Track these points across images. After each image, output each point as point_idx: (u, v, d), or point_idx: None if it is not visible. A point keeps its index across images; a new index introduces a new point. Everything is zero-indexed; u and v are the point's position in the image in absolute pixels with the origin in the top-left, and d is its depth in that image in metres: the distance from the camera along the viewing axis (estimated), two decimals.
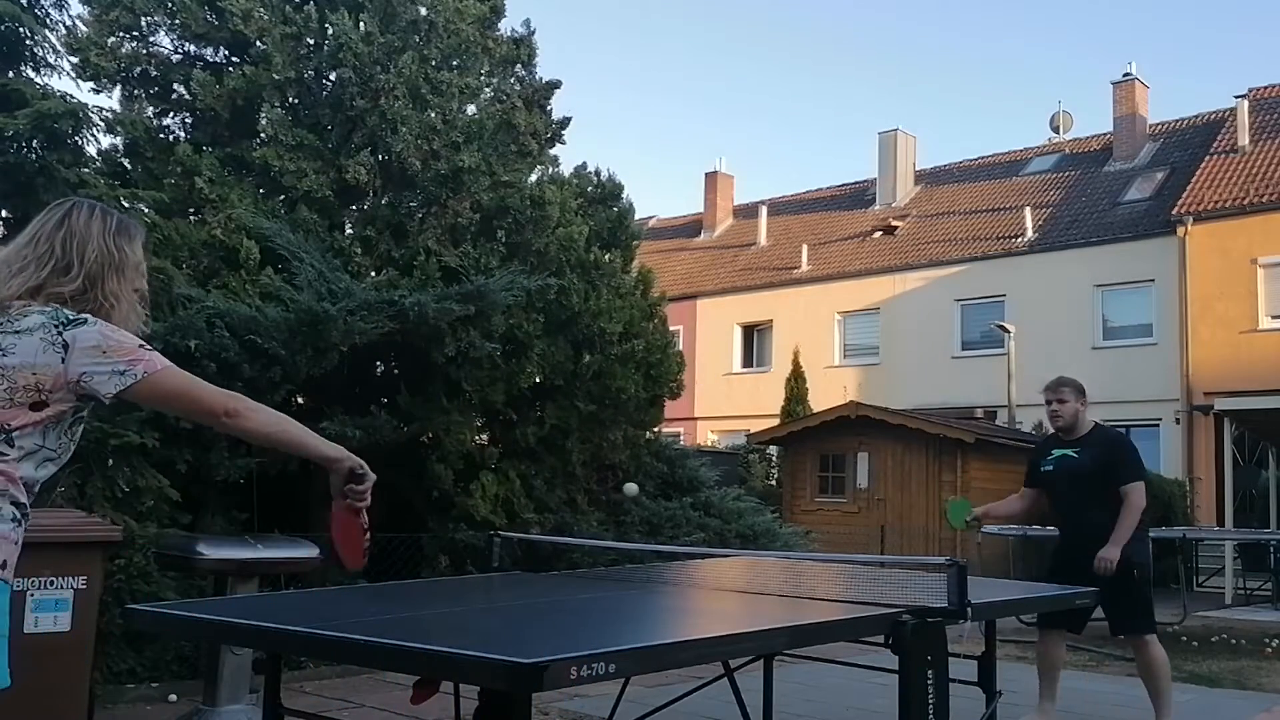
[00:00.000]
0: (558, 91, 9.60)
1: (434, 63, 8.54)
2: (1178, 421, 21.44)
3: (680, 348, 12.60)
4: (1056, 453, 5.53)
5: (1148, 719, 5.39)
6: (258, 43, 8.19)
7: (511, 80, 9.52)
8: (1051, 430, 5.72)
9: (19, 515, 2.20)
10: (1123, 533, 5.20)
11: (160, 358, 2.26)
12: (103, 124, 7.84)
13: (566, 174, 9.70)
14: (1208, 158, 23.32)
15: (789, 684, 5.94)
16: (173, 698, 5.67)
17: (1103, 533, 5.20)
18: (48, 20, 7.23)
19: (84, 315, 2.23)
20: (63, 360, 2.17)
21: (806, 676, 6.39)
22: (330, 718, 4.50)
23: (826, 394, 22.04)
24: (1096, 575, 5.06)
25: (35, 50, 7.00)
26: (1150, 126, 26.69)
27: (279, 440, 2.37)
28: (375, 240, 8.16)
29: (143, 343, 2.27)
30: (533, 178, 9.07)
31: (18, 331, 2.19)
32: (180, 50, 8.77)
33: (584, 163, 10.02)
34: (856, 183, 32.18)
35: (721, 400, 28.31)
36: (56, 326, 2.19)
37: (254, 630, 2.67)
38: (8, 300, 2.24)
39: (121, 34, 8.42)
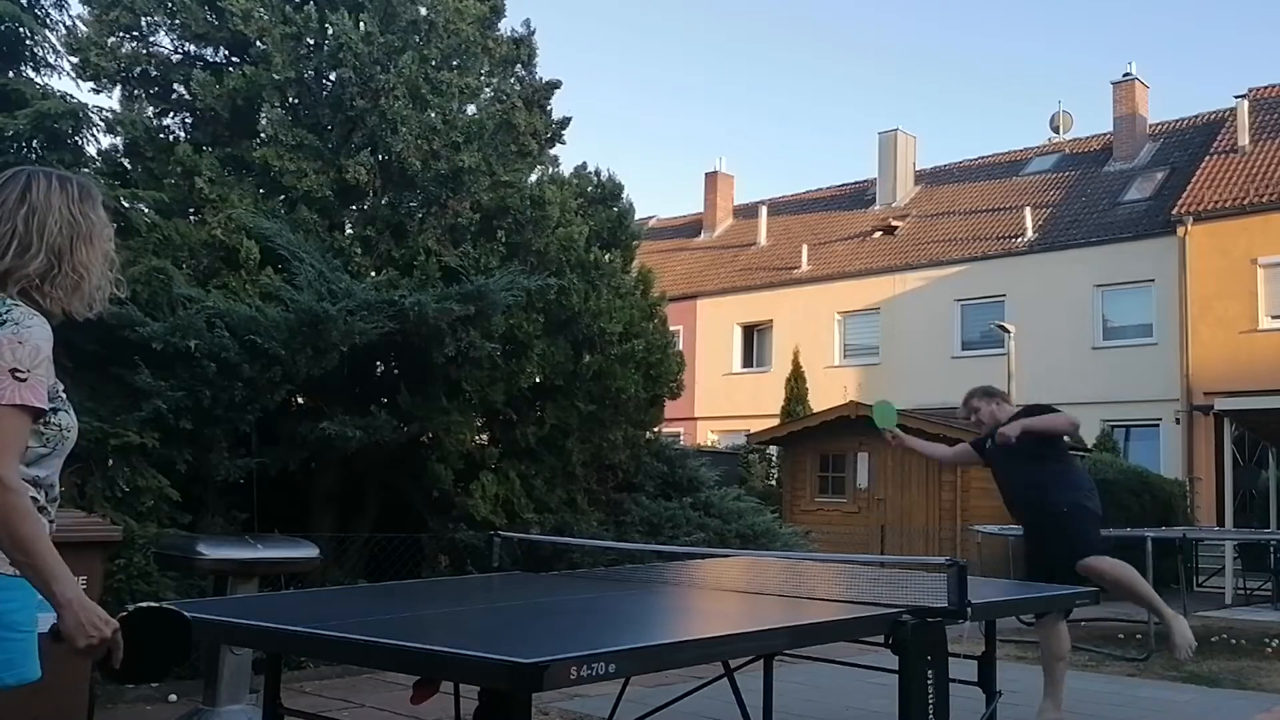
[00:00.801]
0: (558, 91, 9.60)
1: (434, 63, 8.54)
2: (1178, 421, 21.44)
3: (680, 348, 12.61)
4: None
5: (1148, 719, 5.40)
6: (258, 43, 8.18)
7: (511, 80, 9.52)
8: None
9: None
10: (1034, 423, 5.55)
11: (19, 393, 2.05)
12: (103, 124, 7.84)
13: (566, 174, 9.70)
14: (1208, 158, 23.33)
15: (789, 684, 5.94)
16: (173, 698, 5.67)
17: (1041, 497, 5.54)
18: (48, 20, 7.23)
19: (7, 317, 2.10)
20: None
21: (806, 676, 6.39)
22: (330, 718, 4.50)
23: (826, 394, 22.04)
24: (1047, 534, 5.49)
25: (35, 50, 6.99)
26: (1150, 126, 26.69)
27: (16, 553, 2.04)
28: (375, 240, 8.15)
29: (21, 368, 2.06)
30: (533, 178, 9.06)
31: None
32: (180, 50, 8.77)
33: (584, 163, 10.03)
34: (856, 183, 32.19)
35: (721, 400, 28.32)
36: None
37: (254, 630, 2.67)
38: None
39: (121, 34, 8.41)
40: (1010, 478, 5.78)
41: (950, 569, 3.17)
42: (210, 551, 4.83)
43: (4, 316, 2.09)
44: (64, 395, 2.24)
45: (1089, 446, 19.04)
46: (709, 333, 29.63)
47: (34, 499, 2.10)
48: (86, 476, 6.00)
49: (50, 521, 2.18)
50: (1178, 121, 26.90)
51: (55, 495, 2.23)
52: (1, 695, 2.11)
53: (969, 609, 3.11)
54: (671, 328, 11.34)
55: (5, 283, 2.15)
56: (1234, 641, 9.71)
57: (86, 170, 6.98)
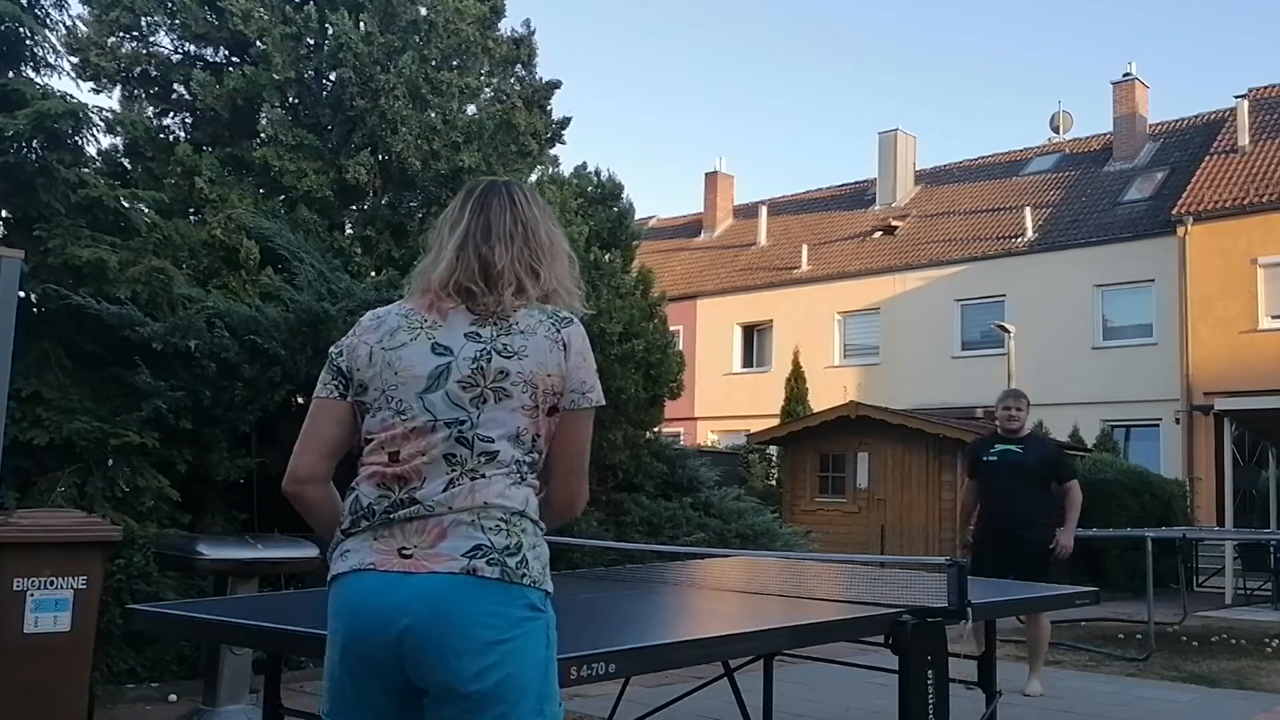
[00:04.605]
0: (558, 91, 9.61)
1: (434, 63, 8.55)
2: (1178, 421, 21.43)
3: (680, 348, 12.60)
4: (999, 447, 6.65)
5: (1148, 719, 5.40)
6: (258, 43, 8.19)
7: (511, 80, 9.52)
8: (1000, 430, 6.75)
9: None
10: (1072, 523, 6.52)
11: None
12: (103, 124, 7.83)
13: (566, 174, 9.70)
14: (1208, 158, 23.32)
15: (789, 684, 5.94)
16: (173, 698, 5.67)
17: (1033, 518, 6.39)
18: (48, 20, 7.22)
19: (566, 313, 2.08)
20: (563, 361, 2.02)
21: (806, 676, 6.39)
22: None
23: (826, 394, 22.03)
24: (1021, 554, 6.19)
25: (35, 50, 6.99)
26: (1150, 126, 26.69)
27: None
28: (375, 240, 8.16)
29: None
30: (533, 178, 9.06)
31: (521, 331, 2.02)
32: (180, 50, 8.77)
33: (584, 163, 10.03)
34: (856, 183, 32.17)
35: (721, 400, 28.31)
36: (554, 322, 2.05)
37: (254, 630, 2.67)
38: (491, 300, 2.04)
39: (121, 34, 8.42)
40: (1007, 501, 6.46)
41: (950, 569, 3.17)
42: (210, 551, 4.83)
43: (561, 314, 2.07)
44: None
45: (1089, 446, 19.04)
46: (709, 333, 29.62)
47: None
48: (86, 476, 6.00)
49: None
50: (1178, 121, 26.89)
51: None
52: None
53: (969, 609, 3.11)
54: (671, 328, 11.33)
55: (547, 296, 2.09)
56: (1234, 641, 9.70)
57: (87, 170, 6.98)
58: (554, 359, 2.01)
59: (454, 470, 1.95)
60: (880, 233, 28.60)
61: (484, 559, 1.89)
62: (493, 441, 1.96)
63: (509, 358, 1.99)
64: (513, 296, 2.03)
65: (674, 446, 10.85)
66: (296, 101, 8.36)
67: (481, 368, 1.98)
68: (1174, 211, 22.07)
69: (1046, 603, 4.87)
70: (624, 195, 10.00)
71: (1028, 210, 25.50)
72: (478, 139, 8.42)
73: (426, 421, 1.97)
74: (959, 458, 16.04)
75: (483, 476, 1.95)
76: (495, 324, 2.02)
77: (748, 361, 29.61)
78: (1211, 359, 20.85)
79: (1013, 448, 6.60)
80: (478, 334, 2.01)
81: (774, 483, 20.05)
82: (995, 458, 6.61)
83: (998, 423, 6.82)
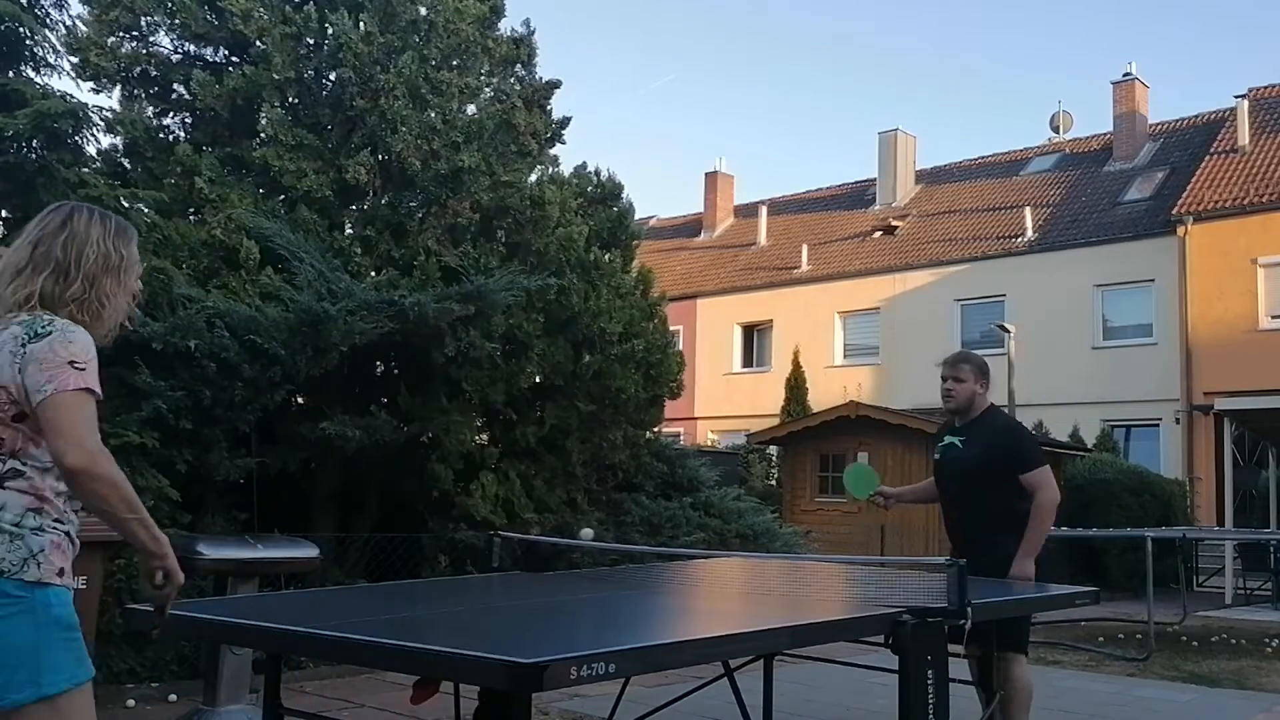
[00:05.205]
0: (557, 91, 9.60)
1: (434, 63, 8.54)
2: (1178, 421, 21.43)
3: (680, 348, 12.60)
4: (946, 440, 4.87)
5: (1148, 718, 5.40)
6: (258, 43, 8.18)
7: (511, 80, 9.51)
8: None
9: (63, 525, 2.29)
10: (1035, 541, 4.47)
11: (81, 379, 2.22)
12: (103, 124, 7.84)
13: (566, 174, 9.70)
14: (1208, 158, 23.32)
15: (789, 684, 5.94)
16: (173, 698, 5.67)
17: (981, 534, 4.55)
18: (48, 20, 7.23)
19: (52, 327, 2.27)
20: (20, 373, 2.23)
21: (806, 676, 6.39)
22: (330, 718, 4.50)
23: (826, 394, 22.03)
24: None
25: (35, 50, 6.99)
26: (1150, 126, 26.69)
27: (111, 516, 2.23)
28: (375, 240, 8.15)
29: (79, 360, 2.24)
30: (533, 178, 9.06)
31: None
32: (180, 50, 8.77)
33: (584, 163, 10.03)
34: (856, 183, 32.17)
35: (721, 400, 28.31)
36: (25, 336, 2.25)
37: (254, 630, 2.67)
38: (9, 308, 2.31)
39: (121, 34, 8.42)
40: (951, 511, 4.80)
41: (950, 569, 3.17)
42: (210, 551, 4.83)
43: (48, 327, 2.27)
44: None
45: (1089, 446, 19.04)
46: (709, 333, 29.62)
47: (57, 517, 2.28)
48: None
49: (72, 524, 2.33)
50: (1178, 121, 26.89)
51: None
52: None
53: (969, 609, 3.11)
54: (671, 328, 11.33)
55: (51, 305, 2.32)
56: (1234, 641, 9.71)
57: (86, 170, 6.98)
58: (11, 373, 2.23)
59: None
60: (880, 233, 28.60)
61: None
62: None
63: None
64: (23, 301, 2.28)
65: (674, 446, 10.86)
66: (296, 101, 8.36)
67: None
68: (1174, 211, 22.07)
69: (1046, 603, 4.85)
70: (624, 195, 10.02)
71: (1028, 210, 25.50)
72: (478, 139, 8.41)
73: None
74: None
75: None
76: None
77: (748, 361, 29.61)
78: (1211, 359, 20.85)
79: (955, 440, 4.77)
80: None
81: (774, 483, 20.05)
82: (939, 455, 4.86)
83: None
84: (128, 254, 2.44)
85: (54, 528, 2.27)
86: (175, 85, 8.69)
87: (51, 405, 2.18)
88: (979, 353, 5.46)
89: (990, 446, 4.62)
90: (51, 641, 2.22)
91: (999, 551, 4.45)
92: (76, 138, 6.82)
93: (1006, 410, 19.19)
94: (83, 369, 2.23)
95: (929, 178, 30.40)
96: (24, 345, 2.25)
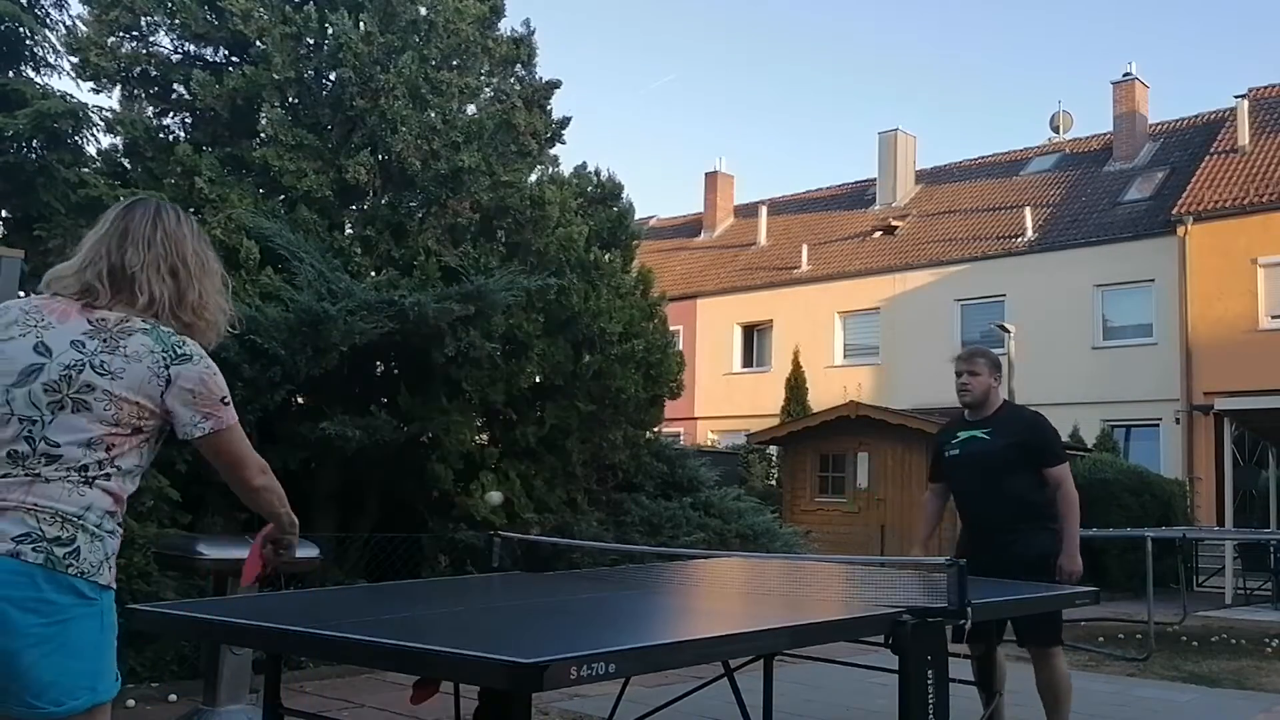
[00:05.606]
0: (557, 91, 9.60)
1: (434, 63, 8.54)
2: (1178, 421, 21.43)
3: (680, 348, 12.60)
4: (962, 435, 4.93)
5: (1148, 718, 5.39)
6: (258, 43, 8.18)
7: (511, 80, 9.51)
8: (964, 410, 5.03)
9: (120, 529, 2.29)
10: (1073, 534, 4.67)
11: (233, 413, 2.34)
12: (103, 124, 7.84)
13: (566, 174, 9.70)
14: (1208, 158, 23.32)
15: (789, 684, 5.94)
16: (173, 698, 5.67)
17: (1012, 523, 4.66)
18: (48, 20, 7.24)
19: (188, 349, 2.26)
20: (162, 395, 2.23)
21: (806, 676, 6.39)
22: (330, 718, 4.50)
23: (826, 394, 22.04)
24: (1014, 575, 4.37)
25: (35, 50, 7.00)
26: (1150, 126, 26.69)
27: (267, 506, 2.50)
28: (375, 240, 8.15)
29: (226, 395, 2.33)
30: (533, 178, 9.06)
31: (126, 355, 2.20)
32: (180, 50, 8.77)
33: (584, 163, 10.03)
34: (856, 183, 32.17)
35: (721, 400, 28.31)
36: (165, 356, 2.22)
37: (254, 630, 2.67)
38: (114, 313, 2.23)
39: (121, 34, 8.41)
40: (978, 503, 4.86)
41: (950, 569, 3.17)
42: (210, 551, 4.83)
43: (181, 350, 2.25)
44: None
45: (1089, 446, 19.03)
46: (709, 333, 29.62)
47: (120, 519, 2.26)
48: None
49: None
50: (1178, 121, 26.89)
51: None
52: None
53: (969, 609, 3.11)
54: (671, 328, 11.33)
55: (164, 312, 2.28)
56: (1234, 641, 9.71)
57: (86, 170, 6.98)
58: (151, 390, 2.21)
59: (14, 465, 2.11)
60: (880, 233, 28.60)
61: (30, 545, 2.05)
62: (58, 446, 2.13)
63: (102, 376, 2.17)
64: (144, 307, 2.24)
65: (674, 446, 10.86)
66: (296, 101, 8.36)
67: (70, 377, 2.15)
68: (1174, 211, 22.07)
69: (1046, 603, 4.85)
70: (624, 195, 10.02)
71: (1028, 210, 25.50)
72: (478, 139, 8.41)
73: (3, 414, 2.13)
74: None
75: (40, 477, 2.11)
76: (105, 340, 2.19)
77: (748, 361, 29.61)
78: (1211, 359, 20.85)
79: (977, 433, 4.88)
80: (83, 344, 2.18)
81: (774, 483, 20.06)
82: (957, 450, 4.91)
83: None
84: (213, 255, 2.42)
85: (117, 532, 2.25)
86: (175, 85, 8.69)
87: (224, 441, 2.32)
88: None
89: (1020, 438, 4.78)
90: (109, 647, 2.19)
91: (1033, 540, 4.65)
92: (76, 138, 6.83)
93: None
94: (229, 403, 2.32)
95: (929, 178, 30.41)
96: (167, 367, 2.22)
